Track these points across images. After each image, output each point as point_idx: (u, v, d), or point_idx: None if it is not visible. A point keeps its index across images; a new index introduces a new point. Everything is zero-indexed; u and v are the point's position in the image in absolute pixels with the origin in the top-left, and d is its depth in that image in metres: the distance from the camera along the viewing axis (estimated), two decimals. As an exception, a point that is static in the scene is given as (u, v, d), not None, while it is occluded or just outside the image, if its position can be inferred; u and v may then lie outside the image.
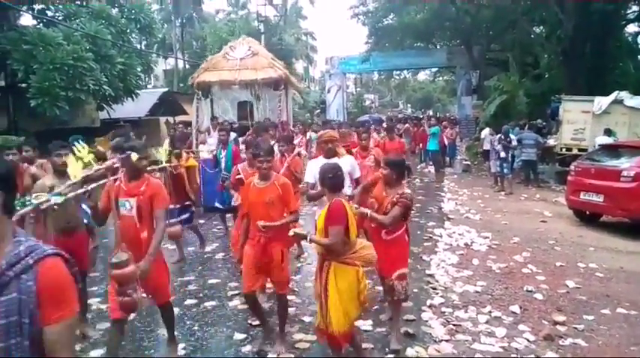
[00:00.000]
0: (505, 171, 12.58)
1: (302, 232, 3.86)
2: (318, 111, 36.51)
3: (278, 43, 31.46)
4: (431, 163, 16.73)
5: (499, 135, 12.91)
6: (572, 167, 9.69)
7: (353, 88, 49.59)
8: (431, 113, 42.70)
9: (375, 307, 5.36)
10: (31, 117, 14.56)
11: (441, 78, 47.42)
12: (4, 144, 11.90)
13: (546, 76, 21.22)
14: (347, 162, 5.26)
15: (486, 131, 16.19)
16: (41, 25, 15.81)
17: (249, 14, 36.42)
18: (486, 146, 15.90)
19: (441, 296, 5.59)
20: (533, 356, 4.23)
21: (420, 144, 17.26)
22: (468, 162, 17.54)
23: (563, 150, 13.91)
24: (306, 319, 5.05)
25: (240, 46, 13.12)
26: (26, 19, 16.99)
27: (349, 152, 6.46)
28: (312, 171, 5.18)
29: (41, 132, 12.72)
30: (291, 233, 3.83)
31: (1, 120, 16.02)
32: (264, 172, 4.21)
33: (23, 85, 14.23)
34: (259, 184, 4.24)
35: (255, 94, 13.19)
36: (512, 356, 4.26)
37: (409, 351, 4.30)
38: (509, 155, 12.66)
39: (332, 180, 3.71)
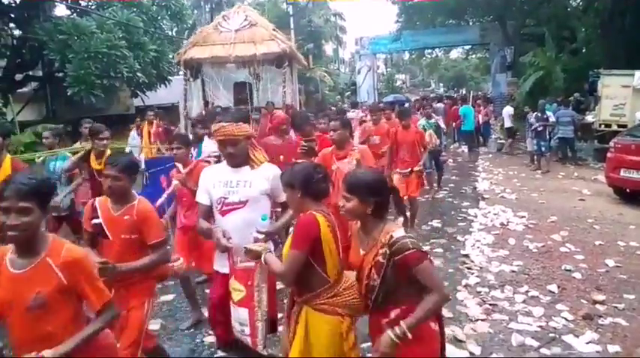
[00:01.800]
0: (542, 149, 12.30)
1: (257, 248, 2.74)
2: (349, 92, 36.32)
3: (307, 24, 31.32)
4: (464, 143, 16.46)
5: (536, 113, 12.61)
6: (611, 144, 9.41)
7: (383, 68, 49.06)
8: (464, 92, 41.92)
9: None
10: (67, 106, 14.91)
11: (473, 55, 46.40)
12: (42, 132, 12.26)
13: (584, 50, 20.55)
14: (261, 176, 3.23)
15: (507, 109, 16.08)
16: (75, 14, 16.10)
17: (278, -3, 36.27)
18: (507, 123, 15.76)
19: (477, 276, 5.54)
20: (571, 335, 4.18)
21: (454, 124, 16.99)
22: (503, 141, 17.20)
23: (602, 126, 13.46)
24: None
25: (235, 15, 10.65)
26: (60, 10, 17.32)
27: (313, 152, 5.12)
28: (205, 185, 3.28)
29: (78, 120, 13.03)
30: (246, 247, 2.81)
31: (39, 109, 16.48)
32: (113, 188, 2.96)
33: (60, 74, 14.57)
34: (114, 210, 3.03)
35: (253, 73, 11.08)
36: (551, 335, 4.21)
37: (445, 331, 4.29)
38: (547, 132, 12.37)
39: (318, 184, 2.60)
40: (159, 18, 17.97)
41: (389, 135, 7.41)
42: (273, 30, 10.87)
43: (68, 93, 13.62)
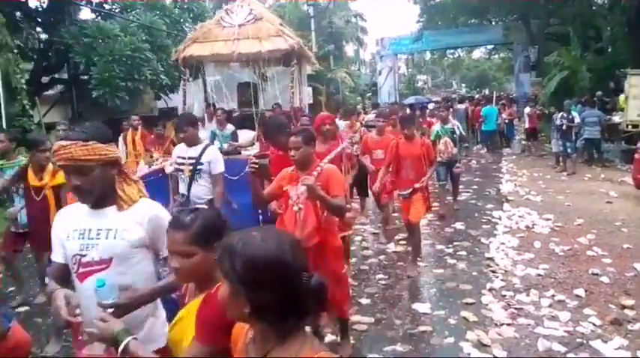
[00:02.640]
0: (568, 150, 12.10)
1: (106, 329, 1.72)
2: (370, 94, 36.22)
3: (328, 26, 31.32)
4: (487, 144, 16.25)
5: (561, 113, 12.40)
6: (639, 145, 9.21)
7: (404, 69, 48.84)
8: (487, 92, 41.49)
9: (433, 290, 5.33)
10: (92, 108, 15.13)
11: (496, 55, 45.89)
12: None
13: (609, 49, 20.15)
14: (132, 220, 2.30)
15: (527, 109, 15.97)
16: (99, 18, 16.33)
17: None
18: (527, 124, 15.73)
19: (502, 280, 5.48)
20: (599, 340, 4.09)
21: (475, 125, 16.81)
22: (527, 142, 16.98)
23: (629, 127, 13.20)
24: (363, 301, 5.07)
25: (239, 9, 9.69)
26: (85, 13, 17.58)
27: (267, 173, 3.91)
28: (58, 235, 2.32)
29: (103, 122, 13.22)
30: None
31: (65, 110, 16.75)
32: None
33: (85, 77, 14.79)
34: None
35: (259, 73, 10.11)
36: (578, 340, 4.13)
37: (469, 335, 4.26)
38: (572, 133, 12.16)
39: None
40: (181, 20, 18.14)
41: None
42: (280, 25, 9.69)
43: (93, 96, 13.81)
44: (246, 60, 9.55)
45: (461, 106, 17.53)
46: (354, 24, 37.07)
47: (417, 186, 5.75)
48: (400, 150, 5.92)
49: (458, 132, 8.42)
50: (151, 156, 8.47)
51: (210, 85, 10.74)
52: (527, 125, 16.09)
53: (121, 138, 9.47)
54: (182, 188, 4.97)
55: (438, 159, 7.37)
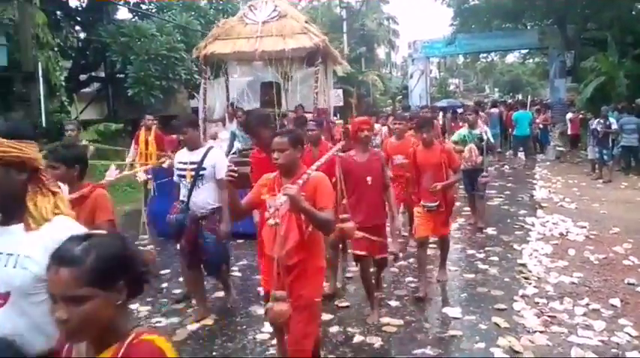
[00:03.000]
0: (605, 157, 11.82)
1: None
2: (400, 97, 36.03)
3: (360, 28, 31.28)
4: (521, 150, 15.96)
5: (597, 119, 12.13)
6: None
7: (436, 72, 48.42)
8: (520, 97, 40.83)
9: (464, 294, 5.27)
10: (128, 106, 15.44)
11: (531, 60, 45.07)
12: (105, 131, 12.75)
13: (649, 55, 19.61)
14: (41, 244, 1.79)
15: (569, 115, 15.59)
16: (136, 18, 16.69)
17: (331, 1, 36.43)
18: (569, 130, 15.42)
19: (535, 287, 5.38)
20: (636, 352, 3.99)
21: (509, 130, 16.54)
22: (562, 149, 16.65)
23: (669, 135, 12.80)
24: (393, 303, 5.05)
25: (263, 5, 9.23)
26: (123, 13, 17.98)
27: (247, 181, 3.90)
28: None
29: (137, 120, 13.49)
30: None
31: (101, 108, 17.15)
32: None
33: (121, 75, 15.12)
34: None
35: (282, 72, 9.48)
36: (613, 350, 4.04)
37: (500, 341, 4.19)
38: (609, 140, 11.88)
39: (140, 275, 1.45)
40: (215, 21, 18.37)
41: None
42: (306, 22, 9.22)
43: (128, 94, 14.12)
44: (269, 58, 9.00)
45: (494, 110, 17.27)
46: (386, 27, 36.94)
47: (433, 205, 5.24)
48: (418, 159, 5.37)
49: (486, 138, 7.47)
50: (158, 158, 8.11)
51: (232, 84, 10.36)
52: (569, 131, 15.70)
53: (135, 140, 9.02)
54: (183, 195, 4.66)
55: (462, 167, 6.43)
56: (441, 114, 15.14)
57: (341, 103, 22.63)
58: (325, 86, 9.95)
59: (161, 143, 8.59)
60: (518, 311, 4.78)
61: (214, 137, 8.88)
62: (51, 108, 11.36)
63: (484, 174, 7.47)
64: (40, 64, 10.59)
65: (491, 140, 7.82)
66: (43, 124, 10.55)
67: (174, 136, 8.90)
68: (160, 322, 4.79)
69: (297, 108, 9.37)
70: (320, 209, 2.98)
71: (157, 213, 6.94)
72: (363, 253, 4.58)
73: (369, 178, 4.49)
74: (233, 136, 8.17)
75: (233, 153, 8.13)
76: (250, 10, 9.26)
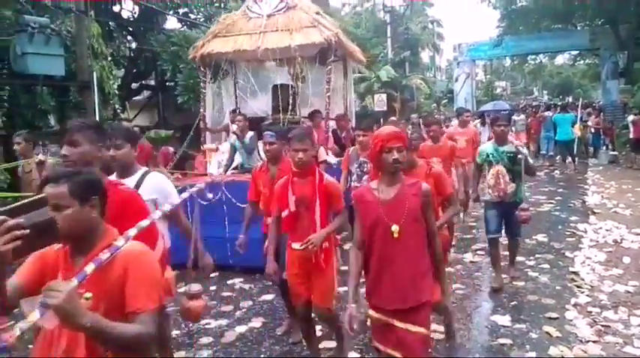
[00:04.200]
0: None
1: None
2: (445, 100, 35.62)
3: (404, 32, 31.14)
4: (567, 156, 15.33)
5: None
6: None
7: (482, 75, 47.62)
8: (570, 100, 39.66)
9: (514, 302, 5.17)
10: (177, 113, 15.83)
11: (582, 61, 43.71)
12: (156, 138, 13.14)
13: None
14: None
15: (631, 117, 14.89)
16: (185, 27, 17.11)
17: (375, 5, 36.40)
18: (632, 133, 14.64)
19: (588, 295, 5.22)
20: (698, 365, 3.82)
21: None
22: (615, 153, 16.08)
23: None
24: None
25: None
26: (172, 23, 18.46)
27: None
28: None
29: (186, 127, 13.83)
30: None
31: (152, 115, 17.68)
32: None
33: (171, 83, 15.53)
34: None
35: (294, 73, 8.31)
36: (673, 363, 3.89)
37: (552, 350, 4.10)
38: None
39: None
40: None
41: (452, 156, 6.37)
42: (317, 14, 7.97)
43: (178, 101, 14.48)
44: (274, 56, 7.92)
45: (548, 113, 16.82)
46: (431, 30, 36.67)
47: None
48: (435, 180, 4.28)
49: (522, 157, 5.28)
50: None
51: (243, 88, 9.14)
52: (631, 134, 15.07)
53: None
54: None
55: (486, 197, 5.52)
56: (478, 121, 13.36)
57: (384, 108, 22.64)
58: (343, 88, 9.07)
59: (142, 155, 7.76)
60: (571, 321, 4.65)
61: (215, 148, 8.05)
62: (105, 116, 11.73)
63: (523, 205, 5.29)
64: (94, 73, 10.97)
65: (529, 159, 5.60)
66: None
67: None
68: (208, 324, 4.90)
69: (313, 114, 8.06)
70: (130, 315, 1.79)
71: None
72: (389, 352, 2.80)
73: (394, 228, 2.69)
74: (233, 149, 7.14)
75: (234, 169, 7.22)
76: (255, 1, 8.06)
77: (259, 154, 6.67)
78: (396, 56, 28.67)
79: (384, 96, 23.21)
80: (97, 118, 10.86)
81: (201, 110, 8.71)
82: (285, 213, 3.64)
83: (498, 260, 5.61)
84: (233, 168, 7.20)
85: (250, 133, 6.88)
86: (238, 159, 7.20)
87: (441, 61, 47.65)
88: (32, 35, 9.42)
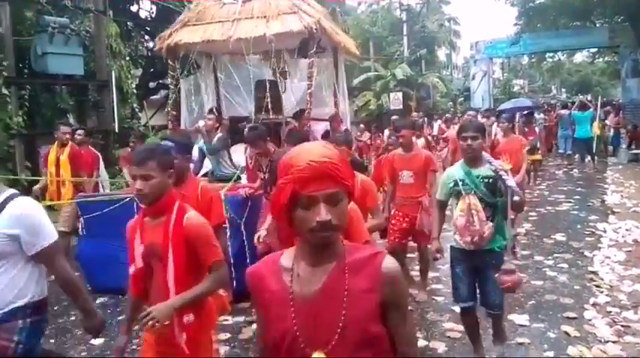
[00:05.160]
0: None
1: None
2: (462, 99, 35.36)
3: (421, 30, 30.96)
4: (586, 154, 15.12)
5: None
6: None
7: (500, 73, 47.19)
8: (589, 98, 39.20)
9: (532, 302, 5.14)
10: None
11: (600, 59, 43.19)
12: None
13: None
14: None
15: None
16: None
17: (391, 3, 36.27)
18: None
19: (607, 295, 5.17)
20: None
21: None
22: (636, 151, 15.86)
23: None
24: (457, 309, 4.98)
25: None
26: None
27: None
28: None
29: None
30: None
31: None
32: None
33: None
34: None
35: (275, 66, 7.20)
36: (695, 364, 3.83)
37: (570, 350, 4.07)
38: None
39: None
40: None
41: (427, 169, 5.10)
42: None
43: (194, 100, 14.57)
44: (247, 47, 6.70)
45: (565, 111, 16.62)
46: (447, 28, 36.41)
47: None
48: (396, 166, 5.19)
49: (506, 185, 3.46)
50: (75, 186, 6.48)
51: (228, 85, 8.20)
52: None
53: (44, 161, 6.93)
54: None
55: (453, 243, 3.75)
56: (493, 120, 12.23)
57: (400, 106, 22.56)
58: (333, 84, 7.86)
59: (79, 163, 6.61)
60: (590, 320, 4.62)
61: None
62: (123, 115, 11.88)
63: (507, 266, 3.43)
64: (113, 72, 11.12)
65: (514, 187, 3.48)
66: (116, 130, 11.08)
67: (94, 152, 7.52)
68: (226, 320, 4.93)
69: (300, 114, 7.03)
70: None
71: (90, 261, 5.46)
72: None
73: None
74: (202, 154, 6.24)
75: (203, 176, 6.33)
76: None
77: (230, 160, 6.15)
78: (412, 54, 28.50)
79: (399, 94, 23.12)
80: (115, 117, 11.01)
81: (169, 109, 7.77)
82: (131, 270, 2.54)
83: (477, 334, 3.91)
84: (202, 176, 6.26)
85: (219, 134, 6.12)
86: (208, 165, 6.36)
87: (457, 59, 47.32)
88: (52, 35, 9.57)
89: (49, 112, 10.63)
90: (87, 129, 7.85)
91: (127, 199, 5.08)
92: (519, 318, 4.68)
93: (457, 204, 3.64)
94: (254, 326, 4.77)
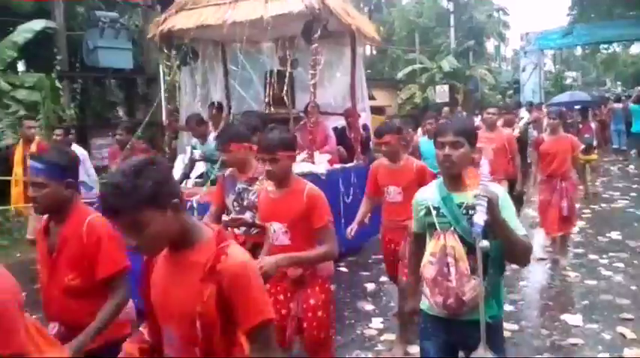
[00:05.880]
0: None
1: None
2: (511, 91, 34.48)
3: (468, 21, 30.31)
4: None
5: None
6: None
7: (551, 65, 45.72)
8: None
9: (585, 302, 4.93)
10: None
11: (659, 50, 41.32)
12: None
13: None
14: None
15: None
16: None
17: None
18: None
19: (667, 296, 4.91)
20: None
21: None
22: None
23: None
24: (506, 307, 4.82)
25: None
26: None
27: None
28: None
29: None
30: None
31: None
32: None
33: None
34: None
35: (285, 54, 6.57)
36: None
37: (627, 352, 3.90)
38: None
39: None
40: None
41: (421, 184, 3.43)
42: None
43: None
44: (241, 33, 5.87)
45: (618, 105, 15.93)
46: (496, 18, 35.52)
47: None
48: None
49: (472, 223, 2.15)
50: None
51: (235, 75, 7.36)
52: None
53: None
54: None
55: (423, 306, 2.51)
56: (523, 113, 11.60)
57: (446, 99, 22.14)
58: (347, 73, 6.95)
59: None
60: (648, 322, 4.39)
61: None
62: (170, 108, 12.11)
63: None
64: (161, 66, 11.34)
65: (478, 231, 2.09)
66: (164, 123, 11.28)
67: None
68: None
69: (310, 108, 5.95)
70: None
71: None
72: None
73: None
74: (191, 156, 5.78)
75: (198, 178, 5.80)
76: None
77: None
78: (460, 46, 27.94)
79: (445, 87, 22.70)
80: (163, 110, 11.22)
81: (164, 102, 7.14)
82: None
83: None
84: (197, 178, 5.82)
85: (214, 134, 5.37)
86: (202, 167, 5.81)
87: (506, 51, 46.13)
88: (102, 30, 9.83)
89: (99, 105, 10.95)
90: (65, 128, 6.97)
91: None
92: (573, 318, 4.50)
93: (429, 242, 2.38)
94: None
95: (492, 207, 2.07)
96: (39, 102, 8.93)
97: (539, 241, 6.70)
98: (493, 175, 3.61)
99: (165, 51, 6.51)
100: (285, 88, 6.16)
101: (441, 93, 22.35)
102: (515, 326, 4.39)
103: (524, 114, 11.56)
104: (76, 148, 6.62)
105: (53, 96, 9.36)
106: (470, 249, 2.21)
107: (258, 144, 2.90)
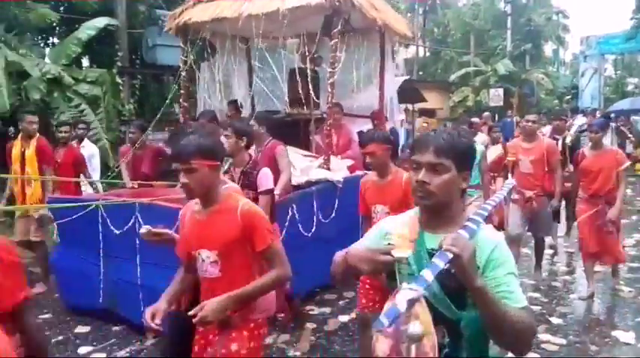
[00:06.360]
0: None
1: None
2: (569, 97, 33.38)
3: (526, 24, 29.52)
4: None
5: None
6: None
7: (612, 70, 43.95)
8: None
9: (638, 319, 4.75)
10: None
11: None
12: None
13: None
14: None
15: None
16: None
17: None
18: None
19: None
20: None
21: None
22: None
23: None
24: (554, 320, 4.71)
25: None
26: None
27: None
28: None
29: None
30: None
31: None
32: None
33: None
34: None
35: (305, 51, 5.96)
36: None
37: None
38: None
39: None
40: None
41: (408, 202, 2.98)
42: None
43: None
44: (257, 26, 5.66)
45: None
46: (556, 21, 34.44)
47: None
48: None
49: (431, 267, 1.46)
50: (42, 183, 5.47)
51: (260, 71, 7.01)
52: None
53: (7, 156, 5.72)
54: None
55: None
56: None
57: (500, 103, 21.63)
58: (375, 74, 6.54)
59: (47, 159, 5.49)
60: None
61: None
62: (186, 106, 12.46)
63: None
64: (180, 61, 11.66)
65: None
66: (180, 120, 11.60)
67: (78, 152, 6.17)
68: (312, 310, 4.99)
69: (332, 107, 5.62)
70: None
71: (65, 272, 4.75)
72: None
73: None
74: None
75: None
76: None
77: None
78: (516, 49, 27.27)
79: (500, 90, 22.20)
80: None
81: (181, 100, 6.80)
82: None
83: None
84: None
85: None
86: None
87: (565, 55, 44.60)
88: (162, 28, 10.11)
89: (157, 101, 11.28)
90: (71, 124, 6.55)
91: (93, 206, 4.22)
92: (624, 336, 4.35)
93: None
94: (340, 318, 4.79)
95: (460, 265, 1.41)
96: (100, 97, 9.32)
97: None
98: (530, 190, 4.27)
99: (182, 45, 6.34)
100: (307, 87, 5.77)
101: (495, 96, 21.86)
102: (563, 341, 4.29)
103: (580, 120, 11.14)
104: (88, 144, 6.88)
105: (113, 91, 9.74)
106: (441, 318, 1.52)
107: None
